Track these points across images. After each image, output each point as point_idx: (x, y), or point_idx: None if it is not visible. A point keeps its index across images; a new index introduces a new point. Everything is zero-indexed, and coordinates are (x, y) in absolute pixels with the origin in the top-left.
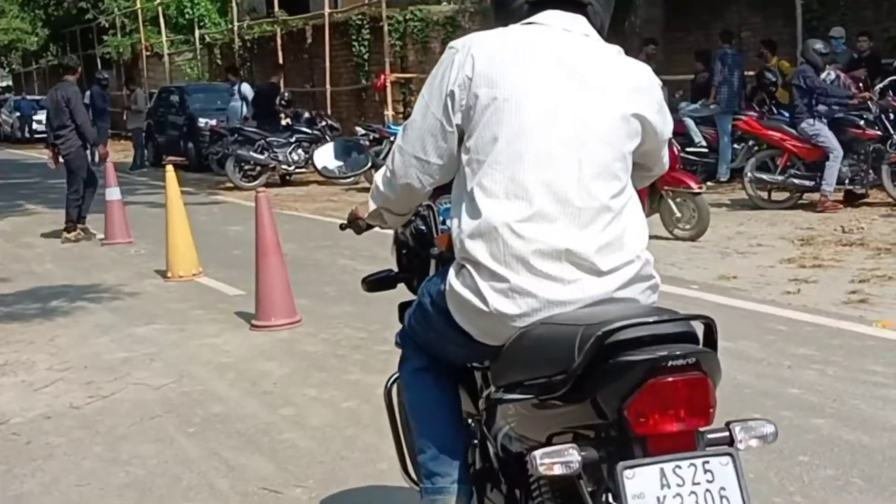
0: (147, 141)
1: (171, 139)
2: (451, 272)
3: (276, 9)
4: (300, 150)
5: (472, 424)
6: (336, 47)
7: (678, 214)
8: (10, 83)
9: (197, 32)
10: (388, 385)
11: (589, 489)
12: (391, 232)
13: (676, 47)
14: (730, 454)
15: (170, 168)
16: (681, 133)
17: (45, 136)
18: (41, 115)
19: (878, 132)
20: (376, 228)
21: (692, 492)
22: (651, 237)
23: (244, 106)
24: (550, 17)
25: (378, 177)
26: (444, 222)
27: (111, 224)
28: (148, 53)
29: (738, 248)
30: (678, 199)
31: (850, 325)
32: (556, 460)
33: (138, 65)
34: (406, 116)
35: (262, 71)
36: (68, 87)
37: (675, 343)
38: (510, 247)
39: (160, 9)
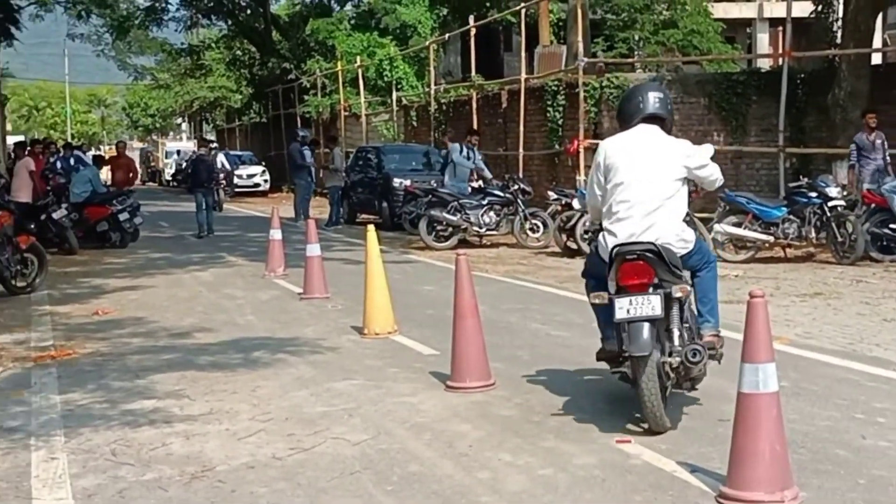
0: (342, 199)
1: (366, 198)
2: (599, 237)
3: (473, 73)
4: (492, 213)
5: None
6: (530, 112)
7: None
8: (214, 138)
9: (394, 94)
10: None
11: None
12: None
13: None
14: (659, 294)
15: (371, 228)
16: (884, 209)
17: (247, 189)
18: (243, 170)
19: None
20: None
21: (641, 304)
22: None
23: (453, 168)
24: (639, 127)
25: (589, 194)
26: None
27: (310, 279)
28: (346, 113)
29: None
30: None
31: None
32: (597, 296)
33: (336, 124)
34: None
35: (457, 133)
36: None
37: (642, 252)
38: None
39: (360, 71)
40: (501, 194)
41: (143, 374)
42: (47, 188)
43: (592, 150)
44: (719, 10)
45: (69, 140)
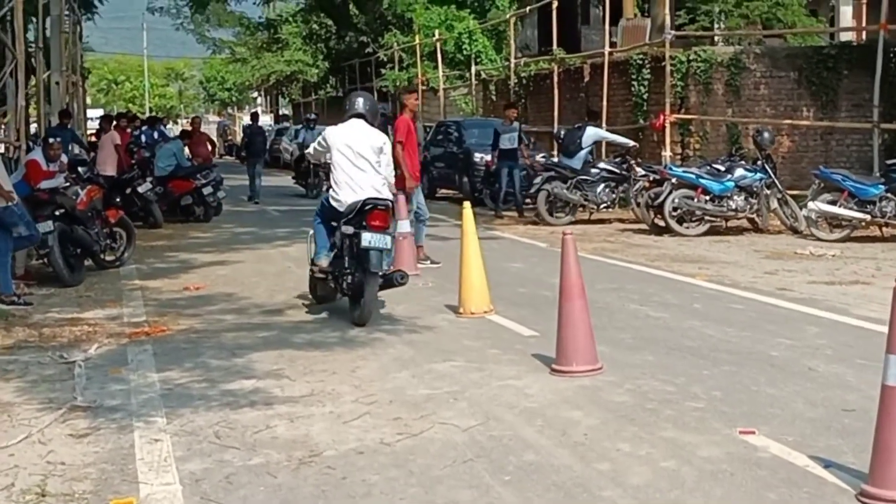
0: (422, 174)
1: (445, 172)
2: (329, 193)
3: (554, 46)
4: (608, 190)
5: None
6: (614, 86)
7: None
8: (290, 112)
9: (473, 68)
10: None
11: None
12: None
13: None
14: (392, 236)
15: (467, 205)
16: None
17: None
18: None
19: None
20: None
21: (378, 240)
22: None
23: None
24: (351, 121)
25: (310, 150)
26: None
27: (400, 256)
28: (424, 88)
29: None
30: None
31: None
32: (348, 229)
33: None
34: (684, 158)
35: (536, 108)
36: None
37: (385, 205)
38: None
39: (438, 45)
40: (617, 171)
41: (239, 352)
42: (132, 162)
43: (679, 125)
44: None
45: (150, 113)
